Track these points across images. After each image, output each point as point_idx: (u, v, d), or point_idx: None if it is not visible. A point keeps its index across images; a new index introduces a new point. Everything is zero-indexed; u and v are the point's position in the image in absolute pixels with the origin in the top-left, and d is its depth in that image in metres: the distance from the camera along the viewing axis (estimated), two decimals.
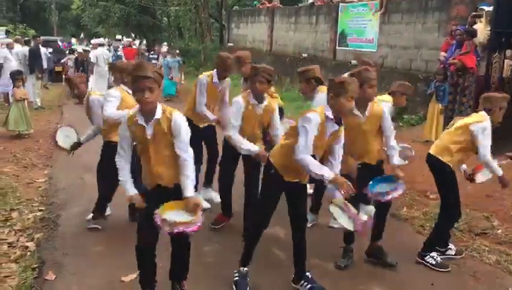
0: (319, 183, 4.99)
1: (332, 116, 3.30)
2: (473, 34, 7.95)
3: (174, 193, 3.11)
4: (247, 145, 4.17)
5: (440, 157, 4.05)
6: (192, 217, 2.98)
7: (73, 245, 4.36)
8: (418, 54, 10.41)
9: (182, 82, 14.48)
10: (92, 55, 12.72)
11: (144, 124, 3.00)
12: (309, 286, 3.61)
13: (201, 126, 5.21)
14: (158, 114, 3.00)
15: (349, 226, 3.30)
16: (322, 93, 4.32)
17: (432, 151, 4.16)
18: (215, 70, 5.11)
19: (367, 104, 3.80)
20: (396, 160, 4.02)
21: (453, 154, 4.03)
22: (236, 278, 3.65)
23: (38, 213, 5.14)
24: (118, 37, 18.10)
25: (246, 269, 3.66)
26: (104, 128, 4.60)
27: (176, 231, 2.92)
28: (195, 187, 5.08)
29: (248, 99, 4.20)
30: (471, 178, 4.32)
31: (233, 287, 3.62)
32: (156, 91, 2.95)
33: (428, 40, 10.09)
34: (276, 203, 3.58)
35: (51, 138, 4.67)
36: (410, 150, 5.01)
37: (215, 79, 5.07)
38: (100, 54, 12.70)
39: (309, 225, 4.82)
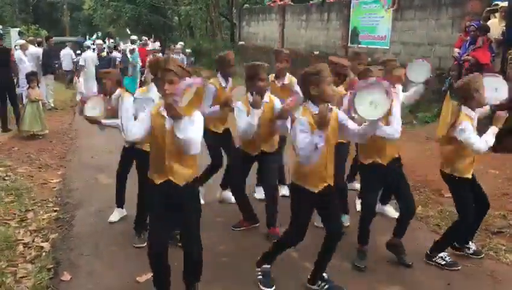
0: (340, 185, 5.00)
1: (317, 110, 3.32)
2: (486, 29, 7.85)
3: (182, 193, 3.12)
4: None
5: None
6: None
7: (88, 245, 4.38)
8: (431, 51, 10.31)
9: None
10: (81, 58, 13.15)
11: (166, 116, 3.00)
12: (327, 286, 3.59)
13: (219, 132, 5.12)
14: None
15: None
16: None
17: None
18: (218, 73, 5.01)
19: None
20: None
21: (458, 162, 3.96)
22: (260, 276, 3.67)
23: (53, 213, 5.18)
24: (133, 37, 18.13)
25: (268, 266, 3.68)
26: None
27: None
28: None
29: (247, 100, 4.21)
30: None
31: (260, 286, 3.63)
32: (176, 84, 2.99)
33: (442, 37, 9.99)
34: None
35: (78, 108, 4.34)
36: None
37: (224, 83, 4.99)
38: (88, 56, 13.18)
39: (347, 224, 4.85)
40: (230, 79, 5.09)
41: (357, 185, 5.99)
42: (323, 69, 3.20)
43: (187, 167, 3.11)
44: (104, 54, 13.87)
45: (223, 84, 4.99)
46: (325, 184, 3.37)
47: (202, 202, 5.13)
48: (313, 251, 3.65)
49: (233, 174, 4.80)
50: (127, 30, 16.92)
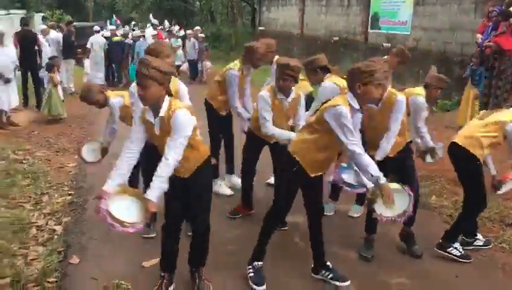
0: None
1: (358, 106, 3.18)
2: (509, 15, 7.59)
3: (191, 181, 3.15)
4: (289, 134, 4.11)
5: (470, 149, 3.89)
6: (138, 218, 2.85)
7: (98, 229, 4.41)
8: (453, 37, 10.06)
9: (208, 69, 14.54)
10: (88, 42, 13.37)
11: (152, 121, 2.98)
12: (330, 275, 3.58)
13: (222, 114, 5.18)
14: (162, 112, 2.93)
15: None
16: (327, 82, 4.29)
17: (459, 141, 3.99)
18: (243, 60, 4.93)
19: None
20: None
21: (484, 148, 3.87)
22: (251, 274, 3.56)
23: (68, 197, 5.27)
24: (155, 21, 18.10)
25: (260, 263, 3.58)
26: None
27: (115, 228, 2.79)
28: (215, 174, 5.19)
29: (274, 93, 4.14)
30: (497, 186, 4.13)
31: (250, 283, 3.52)
32: (151, 88, 2.85)
33: (464, 22, 9.73)
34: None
35: (77, 154, 4.45)
36: (442, 149, 4.56)
37: (245, 71, 4.95)
38: (95, 40, 13.40)
39: (330, 213, 4.82)
40: (252, 70, 5.06)
41: None
42: (377, 70, 3.11)
43: (188, 161, 3.06)
44: (118, 38, 13.99)
45: (245, 72, 4.95)
46: (321, 173, 3.42)
47: (231, 192, 5.30)
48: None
49: (247, 160, 4.77)
50: (150, 15, 16.86)
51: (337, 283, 3.55)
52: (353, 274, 3.66)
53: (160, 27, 17.65)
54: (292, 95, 4.19)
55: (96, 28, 14.38)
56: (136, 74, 2.90)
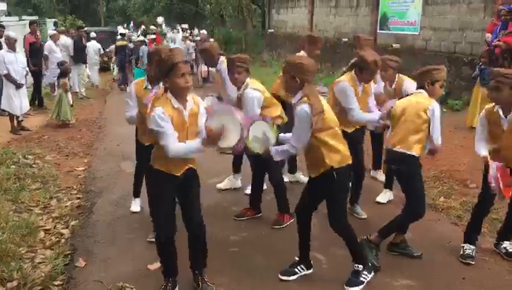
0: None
1: None
2: None
3: (196, 175, 3.30)
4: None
5: None
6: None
7: (105, 233, 4.48)
8: (462, 36, 9.97)
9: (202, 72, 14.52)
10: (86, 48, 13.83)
11: (181, 107, 3.08)
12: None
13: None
14: (189, 98, 3.16)
15: None
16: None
17: None
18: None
19: None
20: None
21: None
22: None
23: (76, 201, 5.32)
24: (184, 26, 18.30)
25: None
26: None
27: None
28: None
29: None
30: None
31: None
32: None
33: (473, 22, 9.64)
34: None
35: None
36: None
37: None
38: (91, 46, 14.04)
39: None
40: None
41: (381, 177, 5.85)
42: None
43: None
44: (121, 43, 14.23)
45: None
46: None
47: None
48: (324, 242, 3.63)
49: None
50: (158, 18, 17.02)
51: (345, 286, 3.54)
52: None
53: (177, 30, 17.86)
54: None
55: (93, 34, 14.79)
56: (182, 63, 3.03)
